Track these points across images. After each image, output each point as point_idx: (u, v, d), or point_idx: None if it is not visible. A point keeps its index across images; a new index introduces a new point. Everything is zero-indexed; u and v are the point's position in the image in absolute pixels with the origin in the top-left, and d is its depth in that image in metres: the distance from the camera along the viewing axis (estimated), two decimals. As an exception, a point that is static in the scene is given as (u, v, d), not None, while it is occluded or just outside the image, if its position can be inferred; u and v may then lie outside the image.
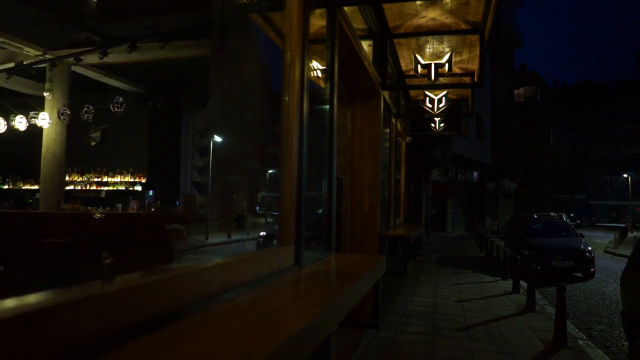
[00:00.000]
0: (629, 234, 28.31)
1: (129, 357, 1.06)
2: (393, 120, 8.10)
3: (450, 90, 8.73)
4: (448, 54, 6.83)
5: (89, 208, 7.71)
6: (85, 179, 12.07)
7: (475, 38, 6.65)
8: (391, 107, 7.75)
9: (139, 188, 12.42)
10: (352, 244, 6.07)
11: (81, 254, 3.36)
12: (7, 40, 6.61)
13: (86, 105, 7.75)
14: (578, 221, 45.04)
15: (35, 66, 7.41)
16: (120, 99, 7.89)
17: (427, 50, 7.17)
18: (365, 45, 5.97)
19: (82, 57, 7.31)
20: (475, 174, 29.03)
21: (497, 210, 32.90)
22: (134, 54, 6.91)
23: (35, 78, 8.05)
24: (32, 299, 1.02)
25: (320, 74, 3.78)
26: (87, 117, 7.58)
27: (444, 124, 11.17)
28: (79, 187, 11.97)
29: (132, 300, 1.23)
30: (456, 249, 17.95)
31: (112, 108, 7.87)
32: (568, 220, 21.20)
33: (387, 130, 7.53)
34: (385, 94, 6.71)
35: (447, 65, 6.77)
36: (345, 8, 3.95)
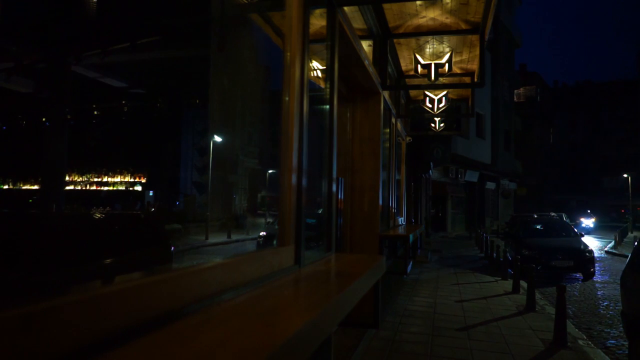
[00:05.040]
0: (629, 233, 28.32)
1: (129, 357, 1.06)
2: (393, 120, 8.10)
3: (450, 90, 8.72)
4: (448, 54, 6.83)
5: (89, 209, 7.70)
6: (85, 179, 12.08)
7: (475, 38, 6.65)
8: (391, 107, 7.74)
9: (139, 188, 12.44)
10: (352, 244, 6.07)
11: (81, 254, 3.36)
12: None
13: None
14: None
15: (35, 66, 7.40)
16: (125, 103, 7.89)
17: (427, 50, 7.17)
18: (365, 45, 5.97)
19: (82, 57, 7.30)
20: (475, 174, 29.04)
21: (497, 210, 32.91)
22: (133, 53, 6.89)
23: (36, 78, 8.04)
24: (32, 299, 1.02)
25: (320, 74, 3.78)
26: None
27: (444, 124, 11.17)
28: (79, 187, 11.98)
29: (132, 301, 1.23)
30: (456, 249, 17.95)
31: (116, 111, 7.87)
32: (568, 220, 21.17)
33: (387, 130, 7.53)
34: (385, 94, 6.71)
35: (447, 65, 6.77)
36: (345, 8, 3.95)
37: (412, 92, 10.31)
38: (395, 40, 6.93)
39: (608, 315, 7.70)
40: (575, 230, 13.63)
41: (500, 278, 10.37)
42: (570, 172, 60.68)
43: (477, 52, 7.02)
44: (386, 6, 5.80)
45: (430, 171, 18.79)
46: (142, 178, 12.39)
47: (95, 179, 12.04)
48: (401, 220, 10.09)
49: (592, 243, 20.62)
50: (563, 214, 25.78)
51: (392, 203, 8.01)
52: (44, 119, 7.63)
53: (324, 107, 3.36)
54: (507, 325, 6.28)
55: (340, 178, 5.53)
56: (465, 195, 28.94)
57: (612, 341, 6.25)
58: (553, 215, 20.29)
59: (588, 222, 36.20)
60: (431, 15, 5.93)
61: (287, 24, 2.62)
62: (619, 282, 5.92)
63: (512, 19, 34.80)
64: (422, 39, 6.87)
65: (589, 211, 43.60)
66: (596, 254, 12.70)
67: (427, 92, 8.37)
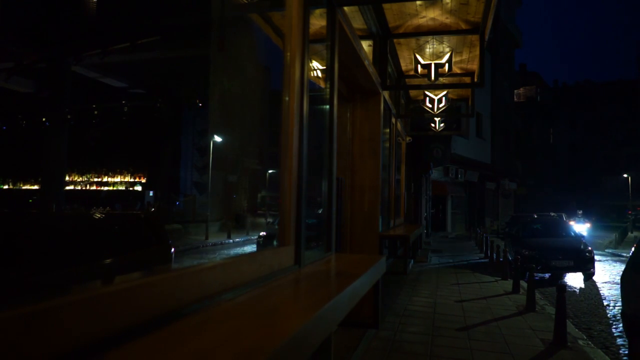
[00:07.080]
0: (629, 233, 28.30)
1: (129, 356, 1.06)
2: (393, 120, 8.10)
3: (450, 90, 8.72)
4: (448, 54, 6.83)
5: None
6: (85, 179, 12.09)
7: (475, 38, 6.65)
8: (391, 107, 7.75)
9: (139, 188, 12.44)
10: (352, 244, 6.07)
11: (81, 254, 3.37)
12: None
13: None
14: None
15: (35, 66, 7.41)
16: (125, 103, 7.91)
17: (427, 50, 7.17)
18: (365, 45, 5.97)
19: (82, 57, 7.30)
20: (475, 174, 29.04)
21: (497, 210, 32.91)
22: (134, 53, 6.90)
23: (36, 78, 8.04)
24: (33, 299, 1.02)
25: (320, 74, 3.78)
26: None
27: (444, 124, 11.17)
28: (79, 187, 11.98)
29: (133, 300, 1.23)
30: (456, 249, 17.96)
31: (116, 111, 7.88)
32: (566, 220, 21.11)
33: (387, 130, 7.53)
34: (385, 94, 6.71)
35: (447, 65, 6.78)
36: (345, 8, 3.95)
37: (412, 92, 10.32)
38: (395, 40, 6.93)
39: (608, 315, 7.70)
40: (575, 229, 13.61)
41: (500, 278, 10.36)
42: (570, 172, 60.66)
43: (477, 52, 7.03)
44: (386, 6, 5.80)
45: (430, 171, 18.80)
46: (142, 178, 12.40)
47: (95, 179, 12.05)
48: (401, 220, 10.10)
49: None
50: (563, 214, 25.76)
51: (392, 203, 8.01)
52: (44, 119, 7.65)
53: (324, 107, 3.36)
54: (507, 325, 6.28)
55: (340, 178, 5.53)
56: (465, 195, 28.94)
57: (612, 341, 6.25)
58: (553, 215, 20.29)
59: (581, 228, 23.66)
60: (431, 15, 5.93)
61: (287, 24, 2.62)
62: (619, 282, 5.92)
63: (512, 19, 34.81)
64: (422, 39, 6.87)
65: (580, 212, 32.54)
66: (596, 254, 12.69)
67: (427, 92, 8.38)
